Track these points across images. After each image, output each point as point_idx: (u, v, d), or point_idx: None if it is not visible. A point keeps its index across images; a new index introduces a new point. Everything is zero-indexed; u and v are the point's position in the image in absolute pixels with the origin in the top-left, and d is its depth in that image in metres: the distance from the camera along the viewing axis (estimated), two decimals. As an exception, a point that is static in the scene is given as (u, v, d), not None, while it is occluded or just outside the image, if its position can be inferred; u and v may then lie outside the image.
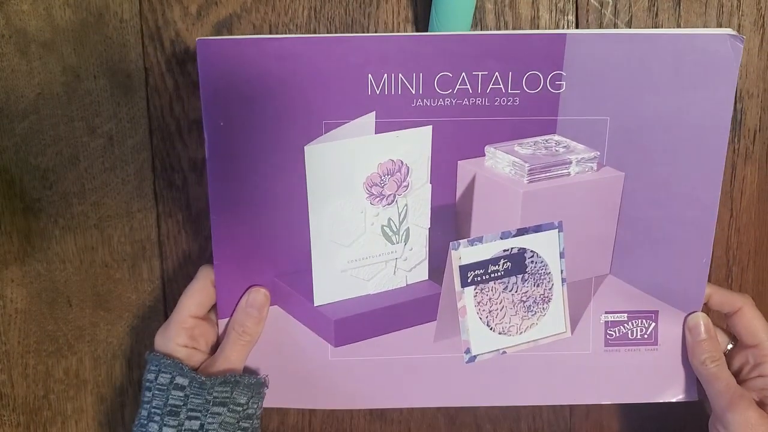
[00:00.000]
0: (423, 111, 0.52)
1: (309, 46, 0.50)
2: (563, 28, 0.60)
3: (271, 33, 0.59)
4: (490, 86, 0.51)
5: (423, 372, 0.57)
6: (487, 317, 0.56)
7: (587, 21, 0.60)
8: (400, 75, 0.51)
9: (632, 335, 0.57)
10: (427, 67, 0.51)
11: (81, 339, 0.63)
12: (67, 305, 0.63)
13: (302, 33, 0.60)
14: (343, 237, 0.54)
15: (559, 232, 0.55)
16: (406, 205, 0.55)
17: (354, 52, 0.50)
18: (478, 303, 0.55)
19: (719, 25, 0.60)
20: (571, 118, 0.52)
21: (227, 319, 0.55)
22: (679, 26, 0.60)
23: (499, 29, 0.60)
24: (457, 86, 0.51)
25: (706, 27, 0.60)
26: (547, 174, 0.54)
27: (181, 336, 0.53)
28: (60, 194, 0.61)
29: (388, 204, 0.54)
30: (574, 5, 0.60)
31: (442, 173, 0.54)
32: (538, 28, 0.60)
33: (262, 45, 0.50)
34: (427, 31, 0.58)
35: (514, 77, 0.51)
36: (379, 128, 0.52)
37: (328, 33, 0.60)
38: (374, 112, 0.52)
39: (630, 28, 0.60)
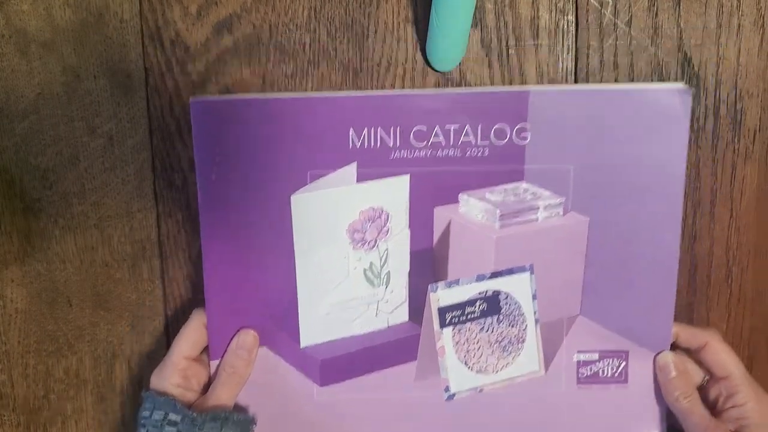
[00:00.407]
0: (401, 162, 0.56)
1: (295, 104, 0.55)
2: (563, 28, 0.60)
3: (271, 33, 0.60)
4: (462, 138, 0.56)
5: (405, 410, 0.59)
6: (464, 356, 0.59)
7: (587, 21, 0.60)
8: (379, 129, 0.55)
9: (603, 374, 0.59)
10: (404, 122, 0.55)
11: (81, 339, 0.63)
12: (67, 305, 0.63)
13: (302, 33, 0.60)
14: (328, 281, 0.58)
15: (530, 274, 0.58)
16: (386, 249, 0.58)
17: (336, 109, 0.55)
18: (456, 343, 0.58)
19: (719, 26, 0.60)
20: (536, 167, 0.56)
21: (218, 361, 0.58)
22: (679, 26, 0.61)
23: (499, 30, 0.60)
24: (432, 139, 0.55)
25: (706, 27, 0.61)
26: (517, 219, 0.57)
27: (175, 376, 0.56)
28: (60, 194, 0.61)
29: (370, 249, 0.58)
30: (574, 5, 0.60)
31: (419, 219, 0.57)
32: (538, 29, 0.60)
33: (251, 104, 0.54)
34: (427, 31, 0.58)
35: (483, 130, 0.55)
36: (361, 178, 0.56)
37: (327, 33, 0.60)
38: (356, 163, 0.55)
39: (630, 28, 0.60)
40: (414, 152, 0.56)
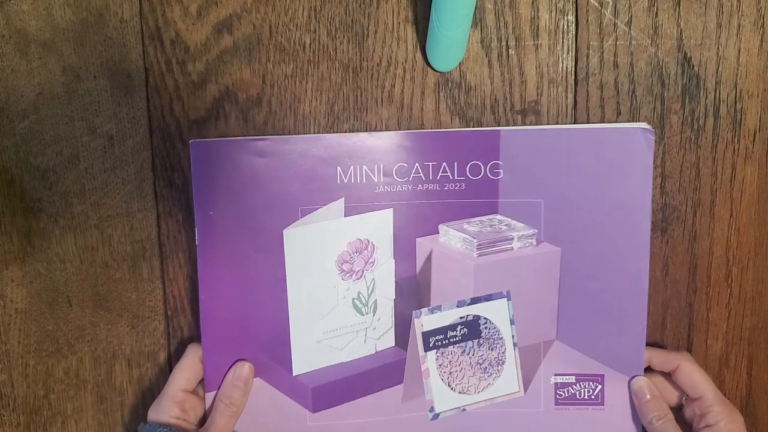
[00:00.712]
0: (384, 196, 0.60)
1: (286, 145, 0.58)
2: (563, 28, 0.60)
3: (271, 33, 0.60)
4: (440, 174, 0.60)
5: (393, 430, 0.62)
6: (448, 378, 0.62)
7: (587, 21, 0.60)
8: (364, 166, 0.59)
9: (580, 396, 0.62)
10: (386, 160, 0.59)
11: (81, 339, 0.63)
12: (67, 305, 0.63)
13: (302, 33, 0.60)
14: (318, 310, 0.61)
15: (508, 300, 0.62)
16: (373, 279, 0.61)
17: (324, 149, 0.59)
18: (440, 366, 0.61)
19: (719, 26, 0.61)
20: (510, 200, 0.60)
21: (214, 392, 0.60)
22: (678, 26, 0.61)
23: (499, 30, 0.60)
24: (412, 174, 0.60)
25: (706, 27, 0.61)
26: (494, 249, 0.61)
27: (173, 409, 0.58)
28: (60, 194, 0.61)
29: (357, 279, 0.61)
30: (574, 5, 0.60)
31: (403, 250, 0.61)
32: (538, 29, 0.60)
33: (246, 145, 0.58)
34: (427, 31, 0.58)
35: (459, 166, 0.59)
36: (348, 212, 0.60)
37: (328, 33, 0.60)
38: (343, 198, 0.59)
39: (630, 28, 0.60)
40: (396, 187, 0.60)
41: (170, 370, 0.63)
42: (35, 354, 0.63)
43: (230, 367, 0.60)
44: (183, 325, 0.63)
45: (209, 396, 0.60)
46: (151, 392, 0.64)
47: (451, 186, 0.60)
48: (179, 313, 0.63)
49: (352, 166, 0.59)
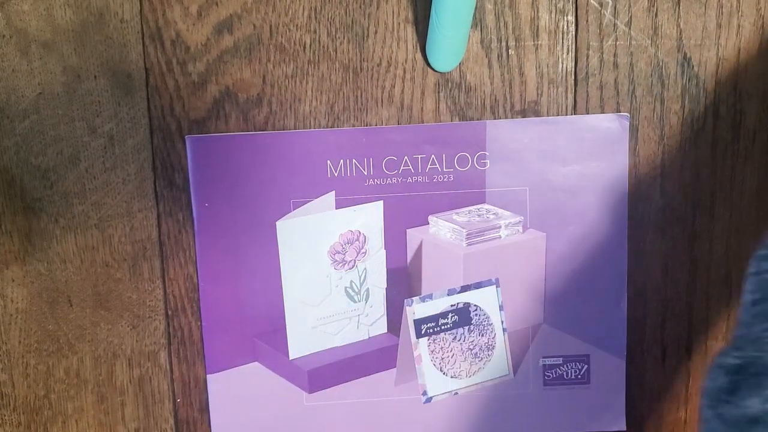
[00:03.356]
0: (374, 189, 0.62)
1: (278, 139, 0.61)
2: (563, 29, 0.60)
3: (271, 34, 0.60)
4: (429, 166, 0.62)
5: (386, 412, 0.65)
6: (440, 363, 0.64)
7: (587, 21, 0.60)
8: (353, 160, 0.61)
9: (567, 376, 0.65)
10: (376, 153, 0.61)
11: (81, 338, 0.63)
12: (68, 305, 0.63)
13: (302, 33, 0.60)
14: (312, 298, 0.63)
15: (496, 287, 0.64)
16: (365, 269, 0.63)
17: (315, 143, 0.61)
18: (432, 351, 0.64)
19: (719, 26, 0.61)
20: (496, 190, 0.62)
21: (214, 375, 0.63)
22: (678, 26, 0.61)
23: (499, 30, 0.60)
24: (402, 167, 0.61)
25: (706, 28, 0.61)
26: (482, 237, 0.63)
27: None
28: (60, 194, 0.61)
29: (350, 269, 0.63)
30: (574, 5, 0.60)
31: (394, 240, 0.63)
32: (538, 29, 0.60)
33: (240, 139, 0.61)
34: (427, 31, 0.58)
35: (447, 158, 0.61)
36: (339, 204, 0.62)
37: (328, 33, 0.60)
38: (334, 191, 0.61)
39: (629, 28, 0.60)
40: (386, 179, 0.61)
41: (171, 370, 0.63)
42: (36, 354, 0.63)
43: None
44: (183, 325, 0.63)
45: (211, 377, 0.63)
46: (151, 392, 0.64)
47: (440, 177, 0.62)
48: (180, 312, 0.63)
49: (342, 160, 0.61)
